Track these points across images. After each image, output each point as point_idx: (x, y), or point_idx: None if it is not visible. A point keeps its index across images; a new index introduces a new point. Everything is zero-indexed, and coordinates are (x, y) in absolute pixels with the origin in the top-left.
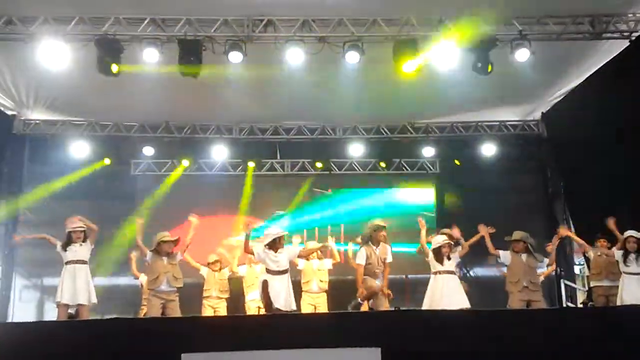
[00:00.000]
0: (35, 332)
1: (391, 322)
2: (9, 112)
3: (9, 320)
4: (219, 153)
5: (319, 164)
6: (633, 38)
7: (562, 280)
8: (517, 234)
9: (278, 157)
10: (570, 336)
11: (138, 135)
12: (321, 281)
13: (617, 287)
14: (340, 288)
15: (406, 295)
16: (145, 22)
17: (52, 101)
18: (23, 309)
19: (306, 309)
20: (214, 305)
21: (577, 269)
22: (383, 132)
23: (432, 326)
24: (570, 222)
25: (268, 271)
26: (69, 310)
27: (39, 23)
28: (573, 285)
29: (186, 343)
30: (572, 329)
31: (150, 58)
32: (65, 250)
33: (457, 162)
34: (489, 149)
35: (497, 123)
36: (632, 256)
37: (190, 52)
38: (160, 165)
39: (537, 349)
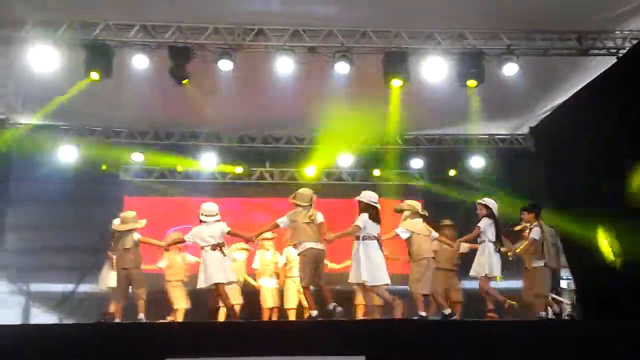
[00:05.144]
0: (19, 335)
1: (376, 330)
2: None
3: None
4: (208, 160)
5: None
6: (620, 55)
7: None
8: None
9: (267, 165)
10: (554, 349)
11: (127, 141)
12: None
13: None
14: None
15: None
16: (136, 28)
17: (41, 105)
18: (8, 314)
19: None
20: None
21: (564, 284)
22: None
23: (417, 335)
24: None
25: None
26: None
27: (28, 27)
28: (559, 298)
29: (170, 347)
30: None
31: (139, 64)
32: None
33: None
34: (477, 162)
35: (486, 136)
36: None
37: (180, 59)
38: (149, 172)
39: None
